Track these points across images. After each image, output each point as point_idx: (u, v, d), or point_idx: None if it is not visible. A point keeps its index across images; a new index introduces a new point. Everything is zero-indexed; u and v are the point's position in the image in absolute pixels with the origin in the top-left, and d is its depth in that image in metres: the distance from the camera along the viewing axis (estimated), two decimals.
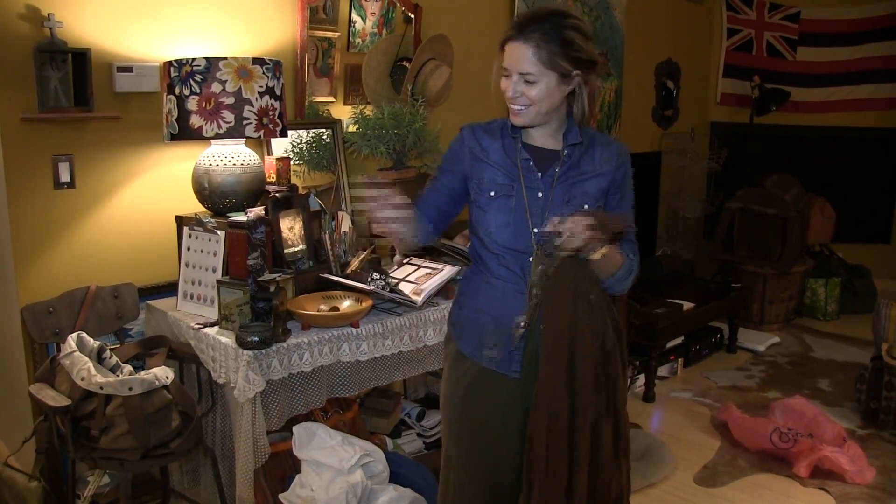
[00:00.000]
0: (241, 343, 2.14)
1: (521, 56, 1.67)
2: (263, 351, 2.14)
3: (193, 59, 2.39)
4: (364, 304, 2.39)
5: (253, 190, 2.56)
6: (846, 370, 4.28)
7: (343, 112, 3.26)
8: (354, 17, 3.20)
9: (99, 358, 2.20)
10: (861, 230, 5.70)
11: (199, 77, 2.38)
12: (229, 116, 2.40)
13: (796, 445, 3.16)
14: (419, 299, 2.46)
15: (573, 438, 1.71)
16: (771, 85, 5.58)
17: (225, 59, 2.40)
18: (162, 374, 2.11)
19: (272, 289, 2.23)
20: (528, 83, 1.69)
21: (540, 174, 1.76)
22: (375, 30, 3.30)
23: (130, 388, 2.03)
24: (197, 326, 2.35)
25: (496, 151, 1.79)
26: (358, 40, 3.25)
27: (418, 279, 2.59)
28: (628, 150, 1.84)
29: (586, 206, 1.75)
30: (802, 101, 5.76)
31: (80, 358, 2.08)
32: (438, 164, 2.44)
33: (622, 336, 1.80)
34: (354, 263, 2.58)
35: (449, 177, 1.88)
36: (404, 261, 2.77)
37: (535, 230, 1.74)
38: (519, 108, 1.72)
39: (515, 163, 1.77)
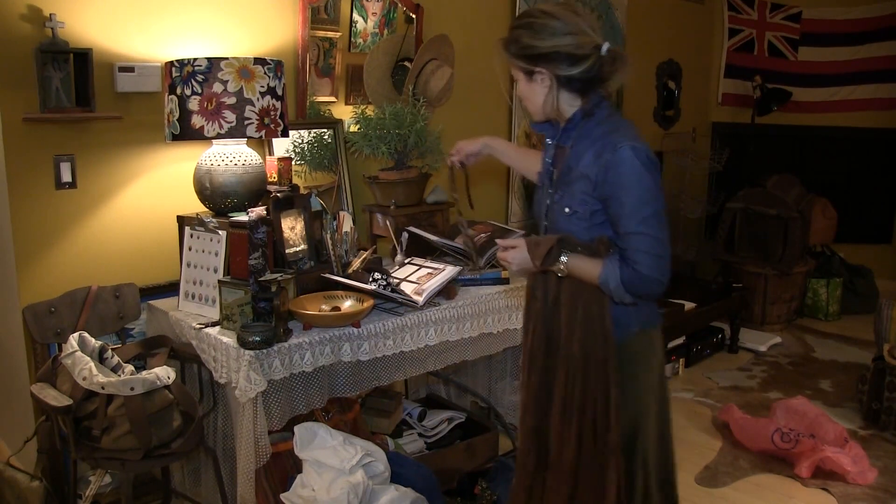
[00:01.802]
0: (243, 343, 2.14)
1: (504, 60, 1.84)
2: (265, 351, 2.14)
3: (195, 60, 2.39)
4: (365, 304, 2.39)
5: (254, 190, 2.56)
6: (848, 371, 4.28)
7: (344, 112, 3.26)
8: (356, 17, 3.20)
9: (100, 358, 2.20)
10: (863, 231, 5.70)
11: (200, 77, 2.38)
12: (231, 116, 2.40)
13: (798, 446, 3.16)
14: (420, 299, 2.46)
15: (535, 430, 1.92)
16: (772, 85, 5.58)
17: (226, 59, 2.40)
18: (163, 374, 2.11)
19: (273, 289, 2.23)
20: (515, 82, 1.85)
21: (554, 171, 1.86)
22: (377, 30, 3.30)
23: (132, 388, 2.03)
24: (198, 326, 2.35)
25: (544, 152, 1.96)
26: (359, 40, 3.25)
27: (420, 279, 2.59)
28: (620, 155, 1.68)
29: (567, 210, 1.78)
30: (804, 102, 5.75)
31: (81, 358, 2.08)
32: (439, 164, 2.83)
33: (594, 354, 1.79)
34: (356, 263, 2.58)
35: None
36: (406, 261, 2.77)
37: (544, 223, 1.91)
38: (524, 106, 1.87)
39: (545, 160, 1.93)
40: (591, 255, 1.76)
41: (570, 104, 1.79)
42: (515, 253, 1.84)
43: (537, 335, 1.89)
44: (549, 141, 1.91)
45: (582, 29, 1.72)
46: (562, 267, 1.77)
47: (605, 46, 1.72)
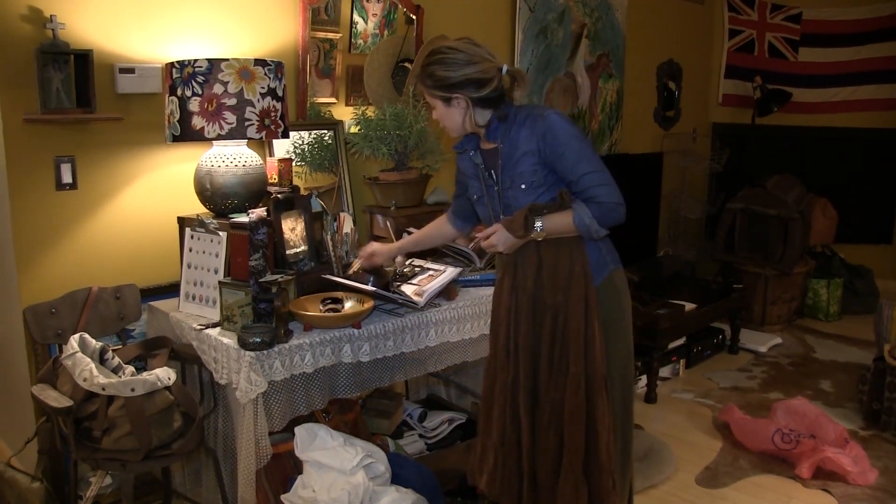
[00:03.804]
0: (243, 344, 2.14)
1: (421, 90, 2.16)
2: (265, 352, 2.14)
3: (195, 61, 2.39)
4: (366, 305, 2.39)
5: (255, 191, 2.57)
6: (848, 371, 4.28)
7: (345, 113, 3.26)
8: (356, 18, 3.20)
9: (101, 359, 2.20)
10: (863, 231, 5.70)
11: (201, 78, 2.38)
12: (231, 118, 2.40)
13: (798, 446, 3.16)
14: (421, 300, 2.46)
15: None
16: (772, 86, 5.58)
17: (227, 60, 2.40)
18: (164, 374, 2.11)
19: (274, 290, 2.23)
20: (432, 108, 2.15)
21: (492, 171, 2.15)
22: (377, 31, 3.30)
23: (132, 389, 2.03)
24: (199, 327, 2.35)
25: (468, 167, 2.24)
26: (359, 41, 3.25)
27: (420, 281, 2.59)
28: (550, 120, 2.02)
29: (523, 186, 2.08)
30: (804, 102, 5.75)
31: (82, 359, 2.08)
32: (439, 165, 3.06)
33: (575, 294, 2.07)
34: (356, 264, 2.58)
35: (462, 188, 2.37)
36: (406, 262, 2.77)
37: (501, 216, 2.16)
38: (442, 126, 2.18)
39: (477, 170, 2.20)
40: (557, 210, 2.05)
41: (483, 116, 2.11)
42: (497, 235, 2.11)
43: (521, 305, 2.14)
44: (472, 152, 2.19)
45: (484, 57, 2.05)
46: (539, 230, 2.05)
47: (504, 68, 2.07)
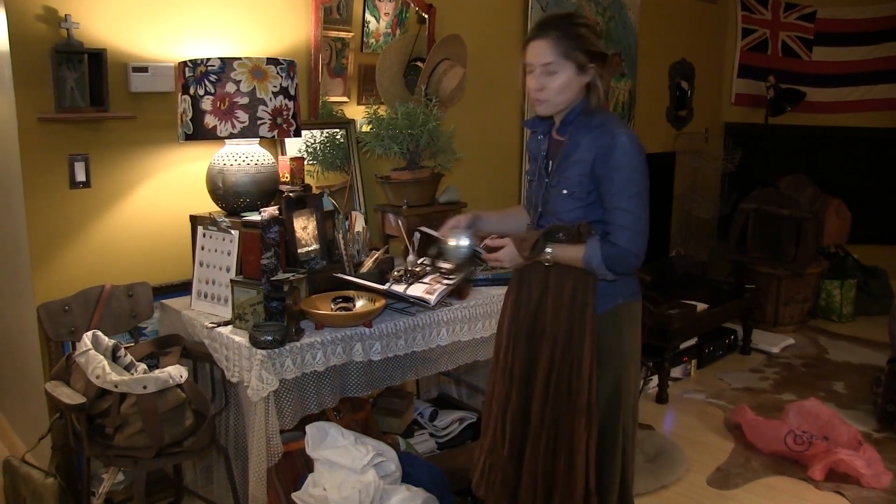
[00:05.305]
0: (255, 342, 2.15)
1: (542, 50, 1.93)
2: (277, 350, 2.15)
3: (208, 60, 2.40)
4: (377, 304, 2.39)
5: (267, 189, 2.57)
6: (861, 372, 4.25)
7: (357, 112, 3.27)
8: (368, 17, 3.20)
9: (113, 356, 2.21)
10: (877, 231, 5.65)
11: (213, 77, 2.39)
12: (243, 116, 2.41)
13: (811, 448, 3.14)
14: (432, 299, 2.46)
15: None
16: (786, 85, 5.54)
17: (239, 59, 2.41)
18: (176, 372, 2.12)
19: (286, 288, 2.23)
20: (549, 74, 1.93)
21: (550, 162, 2.05)
22: (389, 30, 3.30)
23: (145, 387, 2.04)
24: (211, 325, 2.36)
25: (534, 148, 2.15)
26: (371, 40, 3.25)
27: (432, 280, 2.58)
28: (618, 140, 1.89)
29: (565, 192, 1.98)
30: (817, 102, 5.71)
31: (95, 356, 2.09)
32: (451, 164, 2.99)
33: (577, 326, 1.99)
34: (368, 263, 2.59)
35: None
36: (418, 262, 2.76)
37: (539, 208, 2.08)
38: (542, 99, 1.97)
39: (539, 155, 2.10)
40: (573, 240, 1.97)
41: (577, 98, 1.99)
42: (504, 251, 2.05)
43: (522, 321, 2.09)
44: (540, 136, 2.10)
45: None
46: (548, 256, 1.99)
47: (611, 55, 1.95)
